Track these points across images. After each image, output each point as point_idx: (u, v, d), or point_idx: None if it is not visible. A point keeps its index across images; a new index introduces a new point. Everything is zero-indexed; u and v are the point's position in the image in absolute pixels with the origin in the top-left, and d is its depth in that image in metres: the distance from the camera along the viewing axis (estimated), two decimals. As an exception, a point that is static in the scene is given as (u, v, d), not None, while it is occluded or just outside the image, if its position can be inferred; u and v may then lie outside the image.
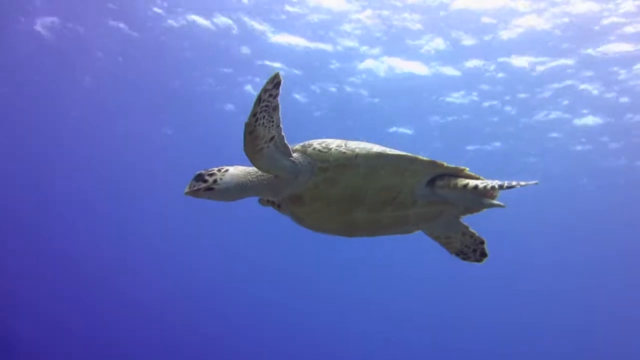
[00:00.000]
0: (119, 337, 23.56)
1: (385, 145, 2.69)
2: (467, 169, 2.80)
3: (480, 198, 2.73)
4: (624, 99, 15.28)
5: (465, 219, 3.07)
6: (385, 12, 13.54)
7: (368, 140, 2.73)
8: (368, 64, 15.64)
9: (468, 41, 14.09)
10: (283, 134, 2.47)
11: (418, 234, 3.13)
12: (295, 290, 31.77)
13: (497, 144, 19.05)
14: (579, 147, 18.23)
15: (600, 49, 13.53)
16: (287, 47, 15.15)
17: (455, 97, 16.71)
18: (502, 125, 17.84)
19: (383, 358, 28.99)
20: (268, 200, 3.02)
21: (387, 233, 3.00)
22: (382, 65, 15.57)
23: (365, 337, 29.58)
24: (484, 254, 3.12)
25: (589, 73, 14.51)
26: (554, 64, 14.40)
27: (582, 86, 15.04)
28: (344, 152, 2.56)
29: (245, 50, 15.64)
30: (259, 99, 2.28)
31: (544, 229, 24.12)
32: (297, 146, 2.68)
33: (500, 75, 15.31)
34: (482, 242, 3.11)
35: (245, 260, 31.57)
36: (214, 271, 31.44)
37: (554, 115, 16.67)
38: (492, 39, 13.88)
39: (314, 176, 2.63)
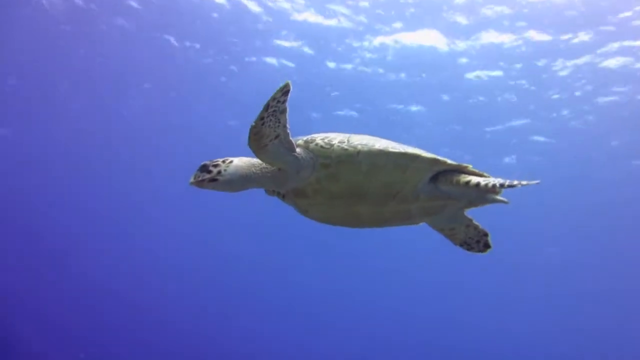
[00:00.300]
0: (119, 338, 23.51)
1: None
2: (470, 166, 2.80)
3: (483, 194, 2.73)
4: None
5: (470, 212, 3.08)
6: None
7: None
8: (381, 39, 15.25)
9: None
10: (288, 131, 2.50)
11: (422, 227, 3.15)
12: (295, 290, 31.56)
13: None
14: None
15: (617, 20, 13.02)
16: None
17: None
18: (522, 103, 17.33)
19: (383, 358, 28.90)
20: (273, 191, 3.06)
21: (391, 225, 3.03)
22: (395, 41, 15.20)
23: (365, 338, 29.37)
24: (487, 246, 3.16)
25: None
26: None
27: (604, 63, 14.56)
28: (346, 149, 2.58)
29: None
30: (267, 106, 2.34)
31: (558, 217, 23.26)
32: (300, 141, 2.70)
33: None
34: (486, 235, 3.14)
35: (245, 259, 31.51)
36: (214, 271, 31.25)
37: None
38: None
39: (316, 172, 2.66)
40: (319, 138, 2.67)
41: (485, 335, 29.82)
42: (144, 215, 29.49)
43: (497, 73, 15.71)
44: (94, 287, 26.30)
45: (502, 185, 2.54)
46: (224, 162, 2.71)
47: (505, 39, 14.36)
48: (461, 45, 14.80)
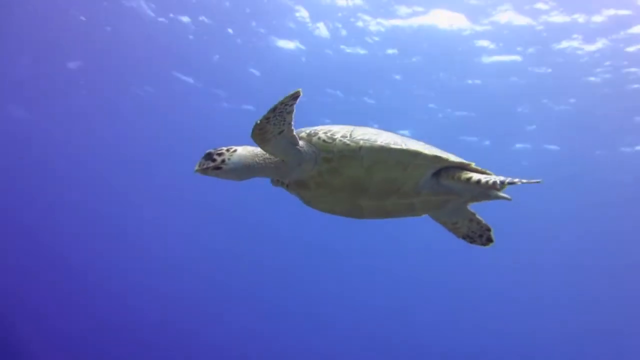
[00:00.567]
0: (119, 338, 23.21)
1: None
2: (473, 163, 2.79)
3: (486, 190, 2.72)
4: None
5: (473, 206, 3.08)
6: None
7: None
8: (394, 22, 14.86)
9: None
10: (292, 127, 2.53)
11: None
12: (294, 290, 31.46)
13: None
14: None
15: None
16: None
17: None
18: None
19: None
20: (278, 180, 3.08)
21: (394, 217, 3.03)
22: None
23: (365, 338, 29.11)
24: (490, 240, 3.15)
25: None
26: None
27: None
28: (348, 144, 2.58)
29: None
30: (275, 108, 2.39)
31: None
32: (304, 134, 2.71)
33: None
34: (489, 230, 3.13)
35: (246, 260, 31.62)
36: (213, 271, 31.10)
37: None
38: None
39: (317, 165, 2.68)
40: (322, 132, 2.67)
41: (485, 335, 29.56)
42: (144, 213, 29.82)
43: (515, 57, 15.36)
44: (94, 286, 26.26)
45: (502, 183, 2.53)
46: (228, 150, 2.74)
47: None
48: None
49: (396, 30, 14.91)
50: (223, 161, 2.68)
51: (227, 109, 20.46)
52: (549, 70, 15.44)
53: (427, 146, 2.76)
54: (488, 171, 2.81)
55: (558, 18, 13.42)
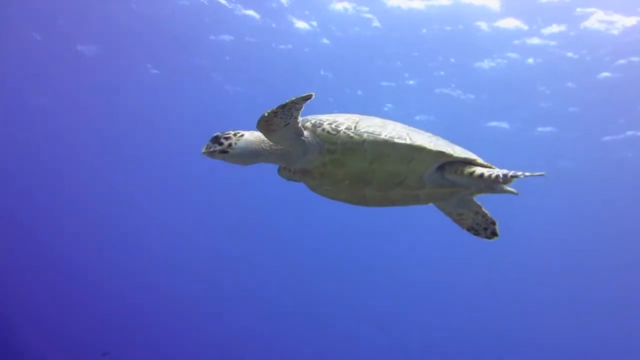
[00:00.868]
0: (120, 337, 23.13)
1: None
2: (478, 159, 2.76)
3: (491, 184, 2.69)
4: None
5: (479, 198, 3.06)
6: None
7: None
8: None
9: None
10: (298, 120, 2.56)
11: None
12: (295, 289, 31.42)
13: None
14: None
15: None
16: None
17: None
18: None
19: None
20: (284, 168, 3.10)
21: (398, 206, 3.03)
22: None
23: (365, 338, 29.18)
24: (494, 234, 3.11)
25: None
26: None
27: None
28: (352, 137, 2.59)
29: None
30: (285, 105, 2.42)
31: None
32: (309, 123, 2.71)
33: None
34: (494, 223, 3.09)
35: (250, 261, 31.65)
36: (212, 270, 31.12)
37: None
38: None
39: (321, 156, 2.69)
40: (327, 123, 2.67)
41: (484, 335, 29.47)
42: (145, 211, 29.93)
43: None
44: (95, 286, 26.15)
45: (505, 176, 2.50)
46: (235, 135, 2.76)
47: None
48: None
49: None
50: (230, 145, 2.71)
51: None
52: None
53: (434, 139, 2.73)
54: (493, 166, 2.78)
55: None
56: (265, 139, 2.77)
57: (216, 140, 2.74)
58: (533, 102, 17.23)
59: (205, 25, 16.32)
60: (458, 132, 18.44)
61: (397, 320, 30.23)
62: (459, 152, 2.71)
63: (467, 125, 18.82)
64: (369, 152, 2.60)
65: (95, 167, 26.72)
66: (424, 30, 15.16)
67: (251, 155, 2.76)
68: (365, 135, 2.58)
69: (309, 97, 2.42)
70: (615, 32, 13.65)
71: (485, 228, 3.11)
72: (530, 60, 15.43)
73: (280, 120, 2.50)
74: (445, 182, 2.79)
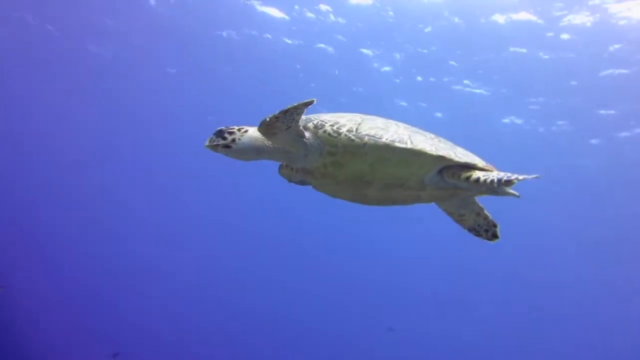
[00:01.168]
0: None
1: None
2: (479, 163, 2.74)
3: (492, 187, 2.68)
4: None
5: (482, 200, 3.06)
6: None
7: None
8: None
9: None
10: (299, 123, 2.58)
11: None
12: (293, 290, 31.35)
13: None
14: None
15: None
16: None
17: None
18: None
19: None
20: (286, 165, 3.12)
21: (399, 205, 3.04)
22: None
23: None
24: (495, 236, 3.12)
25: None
26: None
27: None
28: (353, 140, 2.58)
29: None
30: (287, 111, 2.44)
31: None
32: (311, 124, 2.72)
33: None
34: (495, 226, 3.11)
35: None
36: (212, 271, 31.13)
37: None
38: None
39: (322, 157, 2.70)
40: (329, 124, 2.67)
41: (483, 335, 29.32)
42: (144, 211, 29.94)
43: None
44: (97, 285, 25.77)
45: (499, 181, 2.50)
46: (239, 130, 2.77)
47: None
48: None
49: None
50: (233, 140, 2.72)
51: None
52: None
53: (435, 142, 2.72)
54: (494, 169, 2.76)
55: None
56: None
57: (220, 134, 2.75)
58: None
59: (221, 21, 16.25)
60: (474, 127, 18.42)
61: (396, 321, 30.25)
62: (459, 155, 2.69)
63: (484, 121, 18.56)
64: (370, 155, 2.60)
65: (108, 167, 27.13)
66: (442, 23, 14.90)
67: (253, 151, 2.76)
68: (366, 138, 2.58)
69: (310, 103, 2.43)
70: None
71: (486, 230, 3.12)
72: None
73: (281, 124, 2.52)
74: (446, 184, 2.78)
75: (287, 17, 15.55)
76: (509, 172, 2.63)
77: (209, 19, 16.14)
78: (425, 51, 16.05)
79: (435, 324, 29.41)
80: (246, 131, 2.77)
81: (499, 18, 13.95)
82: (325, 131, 2.65)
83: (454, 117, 18.61)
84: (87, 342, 20.73)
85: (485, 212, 3.08)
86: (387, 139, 2.57)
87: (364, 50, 16.59)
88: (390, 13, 14.76)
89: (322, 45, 16.71)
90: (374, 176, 2.70)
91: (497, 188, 2.56)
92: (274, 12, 15.31)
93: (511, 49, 15.06)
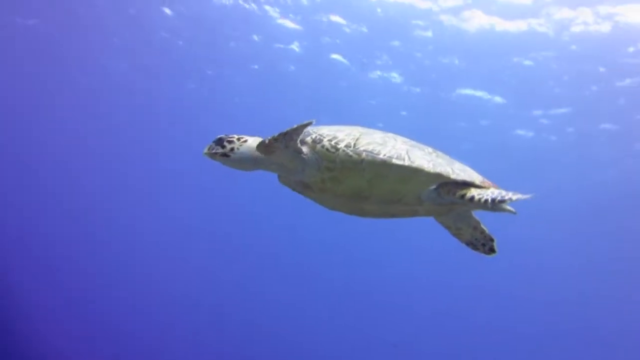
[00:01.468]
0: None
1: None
2: (477, 179, 2.73)
3: (486, 206, 2.65)
4: None
5: (477, 213, 3.06)
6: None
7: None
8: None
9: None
10: (298, 141, 2.60)
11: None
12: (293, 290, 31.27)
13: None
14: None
15: None
16: None
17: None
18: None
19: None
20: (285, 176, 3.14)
21: (397, 218, 3.04)
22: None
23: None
24: (492, 250, 3.11)
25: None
26: None
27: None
28: (351, 156, 2.57)
29: None
30: (286, 133, 2.46)
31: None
32: (309, 139, 2.70)
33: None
34: (492, 240, 3.08)
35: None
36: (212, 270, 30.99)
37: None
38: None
39: (320, 172, 2.69)
40: (327, 139, 2.65)
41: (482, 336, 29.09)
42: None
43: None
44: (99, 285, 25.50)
45: (493, 201, 2.48)
46: (239, 139, 2.78)
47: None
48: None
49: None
50: (232, 149, 2.74)
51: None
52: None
53: (433, 157, 2.72)
54: (493, 185, 2.75)
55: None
56: None
57: (219, 142, 2.77)
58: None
59: (241, 31, 16.45)
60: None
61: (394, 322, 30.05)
62: (457, 172, 2.67)
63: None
64: (367, 171, 2.59)
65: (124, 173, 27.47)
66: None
67: (252, 162, 2.77)
68: (364, 154, 2.56)
69: (309, 124, 2.44)
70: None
71: (483, 244, 3.10)
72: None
73: (280, 144, 2.54)
74: (443, 200, 2.77)
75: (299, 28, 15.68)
76: (508, 190, 2.62)
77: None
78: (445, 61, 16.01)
79: (433, 339, 29.19)
80: (245, 141, 2.78)
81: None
82: (323, 146, 2.63)
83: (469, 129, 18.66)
84: (87, 342, 20.69)
85: (482, 226, 3.07)
86: (384, 155, 2.56)
87: (378, 62, 16.68)
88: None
89: (336, 56, 16.80)
90: (371, 191, 2.69)
91: (491, 207, 2.57)
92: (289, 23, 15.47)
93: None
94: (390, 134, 2.88)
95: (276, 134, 2.48)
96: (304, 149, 2.66)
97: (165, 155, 26.93)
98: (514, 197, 2.45)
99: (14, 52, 18.37)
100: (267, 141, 2.52)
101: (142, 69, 19.14)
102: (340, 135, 2.68)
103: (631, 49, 13.30)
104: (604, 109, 15.84)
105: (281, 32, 15.82)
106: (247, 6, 14.84)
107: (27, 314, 18.29)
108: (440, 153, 2.90)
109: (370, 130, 2.86)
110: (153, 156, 27.73)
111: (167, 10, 15.56)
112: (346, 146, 2.59)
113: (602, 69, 14.41)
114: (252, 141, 2.79)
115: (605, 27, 12.90)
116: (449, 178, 2.62)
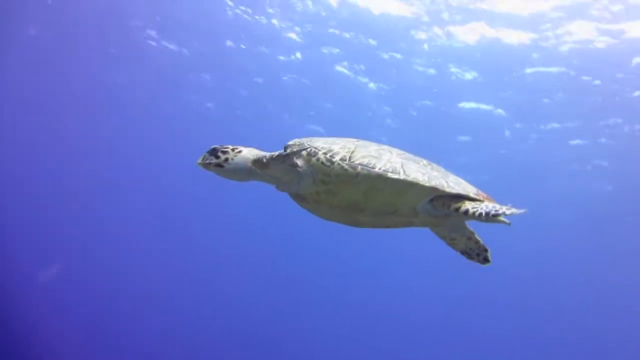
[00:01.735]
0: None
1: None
2: (472, 192, 2.73)
3: (480, 219, 2.64)
4: None
5: (472, 223, 3.06)
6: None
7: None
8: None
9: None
10: (294, 149, 2.65)
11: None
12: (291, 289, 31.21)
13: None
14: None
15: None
16: None
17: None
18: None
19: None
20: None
21: (392, 228, 3.04)
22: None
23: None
24: (487, 260, 3.12)
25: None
26: None
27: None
28: (346, 169, 2.58)
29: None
30: (286, 155, 2.60)
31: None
32: (304, 152, 2.70)
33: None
34: (486, 250, 3.11)
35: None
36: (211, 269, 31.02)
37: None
38: None
39: (315, 185, 2.69)
40: (322, 152, 2.65)
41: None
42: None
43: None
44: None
45: (487, 214, 2.47)
46: (233, 150, 2.78)
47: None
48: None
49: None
50: (226, 160, 2.74)
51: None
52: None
53: (428, 170, 2.72)
54: (488, 199, 2.76)
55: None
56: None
57: (213, 152, 2.78)
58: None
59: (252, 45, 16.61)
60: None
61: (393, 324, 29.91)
62: (451, 185, 2.67)
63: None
64: (363, 184, 2.59)
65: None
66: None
67: (246, 173, 2.78)
68: (359, 168, 2.56)
69: (304, 149, 2.60)
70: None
71: (477, 254, 3.12)
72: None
73: (275, 162, 2.62)
74: (438, 212, 2.77)
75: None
76: (503, 203, 2.63)
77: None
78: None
79: (428, 348, 28.92)
80: (240, 152, 2.77)
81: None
82: (318, 159, 2.63)
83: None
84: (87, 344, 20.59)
85: (476, 236, 3.09)
86: (380, 169, 2.56)
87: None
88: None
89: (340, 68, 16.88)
90: (367, 204, 2.69)
91: (485, 220, 2.57)
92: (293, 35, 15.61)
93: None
94: (385, 147, 2.89)
95: (275, 154, 2.53)
96: (299, 162, 2.67)
97: (166, 165, 27.00)
98: (508, 212, 2.44)
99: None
100: (265, 160, 2.57)
101: (141, 80, 19.38)
102: (335, 148, 2.68)
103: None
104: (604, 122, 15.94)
105: (283, 44, 15.96)
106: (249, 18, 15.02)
107: (24, 315, 18.13)
108: (435, 165, 2.91)
109: (366, 143, 2.87)
110: (154, 165, 27.87)
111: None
112: (341, 159, 2.60)
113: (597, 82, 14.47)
114: (247, 152, 2.80)
115: (605, 42, 12.98)
116: (443, 191, 2.62)
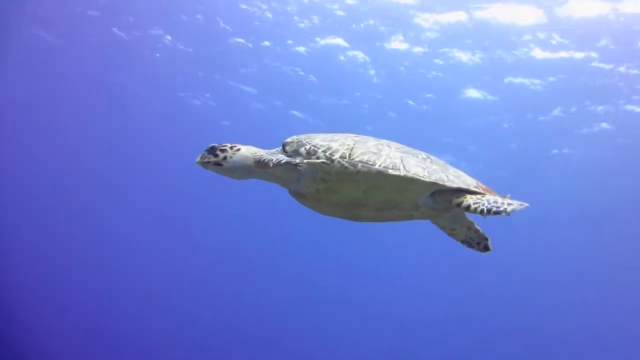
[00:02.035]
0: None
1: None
2: (472, 185, 2.71)
3: (482, 215, 2.62)
4: None
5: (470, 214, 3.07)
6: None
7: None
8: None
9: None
10: (293, 146, 2.68)
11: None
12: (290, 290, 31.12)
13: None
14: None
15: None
16: None
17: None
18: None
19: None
20: None
21: (392, 222, 3.05)
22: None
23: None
24: (487, 248, 3.15)
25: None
26: None
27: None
28: (346, 167, 2.55)
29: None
30: (296, 164, 2.61)
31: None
32: (303, 149, 2.69)
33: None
34: (486, 239, 3.14)
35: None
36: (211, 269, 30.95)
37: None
38: None
39: (315, 183, 2.68)
40: (321, 150, 2.63)
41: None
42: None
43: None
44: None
45: (489, 211, 2.44)
46: (232, 148, 2.75)
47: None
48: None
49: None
50: (225, 158, 2.71)
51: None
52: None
53: (427, 164, 2.70)
54: (490, 192, 2.75)
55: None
56: None
57: (212, 151, 2.74)
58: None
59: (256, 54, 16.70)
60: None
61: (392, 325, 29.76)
62: (451, 179, 2.65)
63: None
64: (363, 182, 2.57)
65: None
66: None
67: (245, 171, 2.75)
68: (359, 165, 2.54)
69: (303, 146, 2.65)
70: None
71: (478, 242, 3.15)
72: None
73: (282, 168, 2.65)
74: (438, 206, 2.76)
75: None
76: (502, 194, 2.63)
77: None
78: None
79: (430, 345, 28.89)
80: (238, 150, 2.75)
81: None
82: (318, 157, 2.61)
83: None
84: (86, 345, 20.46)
85: (476, 226, 3.12)
86: (380, 166, 2.54)
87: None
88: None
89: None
90: (367, 201, 2.68)
91: (485, 216, 2.57)
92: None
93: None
94: (384, 141, 2.87)
95: (283, 161, 2.55)
96: (299, 160, 2.65)
97: (165, 164, 27.06)
98: (509, 209, 2.42)
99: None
100: (272, 164, 2.55)
101: (140, 79, 19.41)
102: (335, 146, 2.66)
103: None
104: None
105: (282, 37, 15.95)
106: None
107: (24, 315, 18.18)
108: (434, 158, 2.90)
109: (364, 138, 2.85)
110: (153, 164, 27.98)
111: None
112: (341, 157, 2.58)
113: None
114: (245, 150, 2.77)
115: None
116: (444, 186, 2.60)
